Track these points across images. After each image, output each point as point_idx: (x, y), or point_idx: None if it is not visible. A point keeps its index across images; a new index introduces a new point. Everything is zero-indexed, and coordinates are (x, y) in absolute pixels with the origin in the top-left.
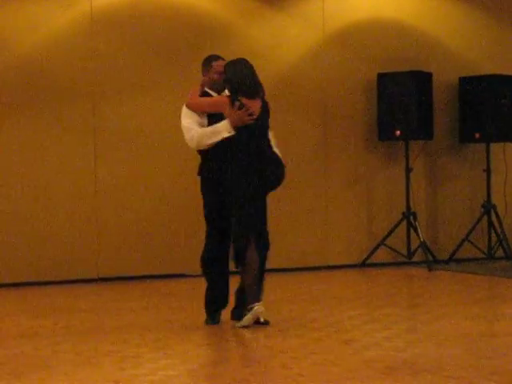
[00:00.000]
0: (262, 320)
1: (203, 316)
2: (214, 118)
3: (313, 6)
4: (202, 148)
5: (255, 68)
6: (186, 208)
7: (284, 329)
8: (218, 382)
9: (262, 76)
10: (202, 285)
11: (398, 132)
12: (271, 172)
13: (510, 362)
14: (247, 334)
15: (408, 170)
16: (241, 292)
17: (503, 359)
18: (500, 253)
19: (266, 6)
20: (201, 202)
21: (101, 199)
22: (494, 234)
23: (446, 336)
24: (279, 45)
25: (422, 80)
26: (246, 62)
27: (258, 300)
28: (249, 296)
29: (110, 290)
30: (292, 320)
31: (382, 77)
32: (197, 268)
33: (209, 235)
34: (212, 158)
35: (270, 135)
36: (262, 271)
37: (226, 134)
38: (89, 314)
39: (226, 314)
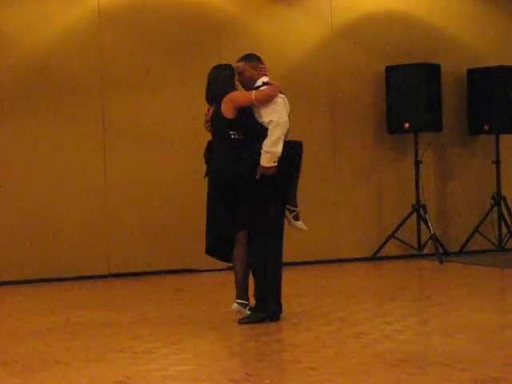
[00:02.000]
0: (233, 317)
1: (215, 311)
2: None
3: (320, 0)
4: None
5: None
6: (197, 203)
7: (295, 322)
8: (230, 376)
9: (271, 70)
10: (213, 280)
11: (407, 125)
12: (213, 171)
13: None
14: (258, 328)
15: (417, 163)
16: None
17: None
18: (510, 244)
19: (273, 1)
20: None
21: (111, 195)
22: (504, 226)
23: (457, 328)
24: (287, 39)
25: (430, 72)
26: (213, 69)
27: (236, 297)
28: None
29: (121, 286)
30: (303, 314)
31: (390, 69)
32: (208, 263)
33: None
34: None
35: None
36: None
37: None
38: (100, 310)
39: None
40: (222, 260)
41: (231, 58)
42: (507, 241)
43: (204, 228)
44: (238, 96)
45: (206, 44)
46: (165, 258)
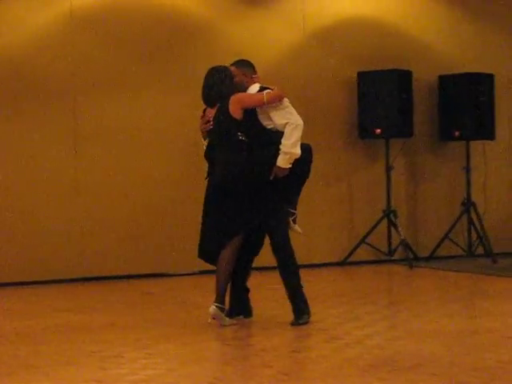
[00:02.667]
0: (209, 320)
1: (185, 315)
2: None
3: (293, 4)
4: None
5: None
6: (168, 207)
7: (266, 327)
8: (199, 380)
9: None
10: (182, 284)
11: (379, 130)
12: (219, 172)
13: (490, 358)
14: (229, 332)
15: (388, 168)
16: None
17: (484, 356)
18: (480, 250)
19: (246, 5)
20: (182, 202)
21: (82, 200)
22: (473, 232)
23: (426, 333)
24: (260, 44)
25: (401, 78)
26: (210, 70)
27: (215, 300)
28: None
29: (91, 290)
30: (274, 318)
31: (362, 75)
32: (178, 267)
33: None
34: None
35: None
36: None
37: (203, 145)
38: (71, 313)
39: (204, 314)
40: (213, 264)
41: (205, 61)
42: (477, 246)
43: (175, 233)
44: (249, 97)
45: (180, 47)
46: (135, 262)
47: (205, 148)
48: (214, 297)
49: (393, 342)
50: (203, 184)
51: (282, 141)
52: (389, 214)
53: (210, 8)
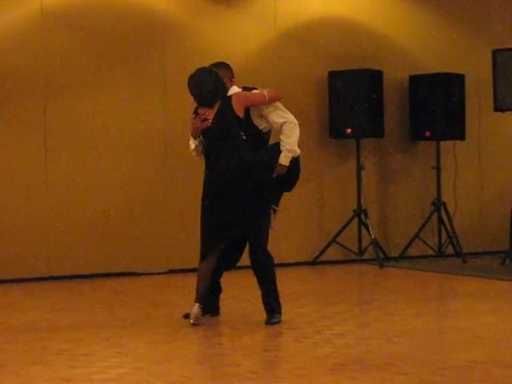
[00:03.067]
0: (191, 321)
1: (155, 314)
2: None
3: (265, 3)
4: (196, 158)
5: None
6: (137, 206)
7: (236, 326)
8: (169, 379)
9: None
10: (153, 283)
11: (349, 130)
12: (218, 174)
13: (459, 357)
14: (199, 331)
15: (359, 168)
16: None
17: (453, 355)
18: (450, 250)
19: (218, 4)
20: (151, 201)
21: (52, 198)
22: (443, 232)
23: (396, 332)
24: (231, 43)
25: (372, 78)
26: (201, 71)
27: (196, 299)
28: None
29: (61, 289)
30: (244, 318)
31: (333, 75)
32: (149, 266)
33: None
34: None
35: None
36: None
37: (192, 146)
38: (39, 312)
39: (174, 313)
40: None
41: (176, 60)
42: (447, 246)
43: (144, 231)
44: (253, 95)
45: (151, 46)
46: (105, 261)
47: (197, 145)
48: (185, 296)
49: (362, 341)
50: (174, 184)
51: (284, 139)
52: (359, 213)
53: (181, 7)
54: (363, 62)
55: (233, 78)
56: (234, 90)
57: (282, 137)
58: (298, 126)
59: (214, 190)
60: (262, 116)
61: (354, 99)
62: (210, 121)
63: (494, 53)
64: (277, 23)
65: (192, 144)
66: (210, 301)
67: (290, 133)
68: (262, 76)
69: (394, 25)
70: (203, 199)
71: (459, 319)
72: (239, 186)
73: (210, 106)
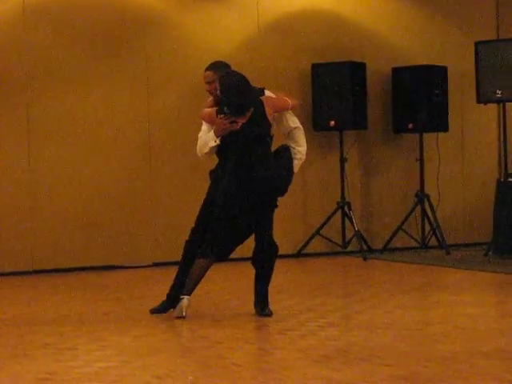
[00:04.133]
0: (183, 314)
1: (139, 307)
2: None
3: None
4: (203, 156)
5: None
6: (122, 200)
7: (220, 319)
8: (153, 372)
9: (197, 67)
10: (137, 276)
11: (333, 122)
12: (257, 182)
13: (442, 349)
14: (183, 324)
15: (342, 160)
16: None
17: (436, 346)
18: (433, 242)
19: None
20: (135, 195)
21: (36, 191)
22: (427, 224)
23: (380, 324)
24: (214, 35)
25: (355, 70)
26: (238, 76)
27: (187, 292)
28: (185, 285)
29: (45, 282)
30: (228, 310)
31: (316, 67)
32: (133, 259)
33: None
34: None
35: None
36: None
37: (212, 144)
38: (24, 306)
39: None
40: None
41: (158, 54)
42: (430, 238)
43: (129, 225)
44: (281, 101)
45: (133, 41)
46: (89, 255)
47: (215, 145)
48: (168, 289)
49: (346, 333)
50: (158, 177)
51: (297, 147)
52: (343, 205)
53: (164, 0)
54: (346, 54)
55: None
56: None
57: (293, 144)
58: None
59: (249, 197)
60: (274, 119)
61: (338, 91)
62: (240, 124)
63: (477, 45)
64: (259, 16)
65: (212, 142)
66: (175, 294)
67: (302, 141)
68: (245, 69)
69: (377, 17)
70: (227, 201)
71: (442, 311)
72: (273, 195)
73: (244, 114)
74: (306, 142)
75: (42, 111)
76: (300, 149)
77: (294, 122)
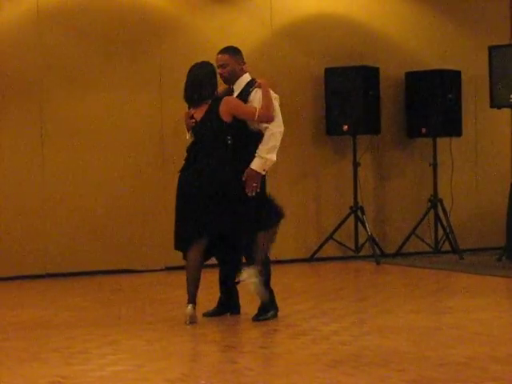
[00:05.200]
0: (187, 322)
1: (152, 311)
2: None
3: (261, 0)
4: None
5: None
6: (136, 203)
7: (232, 323)
8: (165, 376)
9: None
10: (149, 280)
11: (346, 127)
12: (191, 175)
13: (455, 354)
14: (196, 329)
15: (355, 165)
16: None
17: (449, 351)
18: (446, 246)
19: (213, 1)
20: (148, 199)
21: (49, 194)
22: (440, 228)
23: (392, 329)
24: (227, 39)
25: (369, 75)
26: (196, 66)
27: (191, 301)
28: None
29: (57, 286)
30: (240, 314)
31: (329, 71)
32: (145, 263)
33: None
34: None
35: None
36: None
37: (188, 138)
38: (36, 310)
39: (171, 310)
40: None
41: (171, 58)
42: (443, 243)
43: (142, 228)
44: (242, 108)
45: (146, 44)
46: (102, 258)
47: (189, 140)
48: (181, 293)
49: (359, 337)
50: (171, 180)
51: (260, 146)
52: (356, 210)
53: (177, 4)
54: (359, 58)
55: (244, 63)
56: (246, 79)
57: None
58: (276, 135)
59: (187, 189)
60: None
61: (351, 96)
62: (196, 120)
63: (490, 49)
64: (273, 20)
65: (188, 138)
66: (231, 299)
67: (265, 140)
68: (258, 73)
69: (391, 21)
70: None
71: (456, 316)
72: (218, 191)
73: (195, 106)
74: (271, 142)
75: (56, 114)
76: (261, 147)
77: (255, 127)
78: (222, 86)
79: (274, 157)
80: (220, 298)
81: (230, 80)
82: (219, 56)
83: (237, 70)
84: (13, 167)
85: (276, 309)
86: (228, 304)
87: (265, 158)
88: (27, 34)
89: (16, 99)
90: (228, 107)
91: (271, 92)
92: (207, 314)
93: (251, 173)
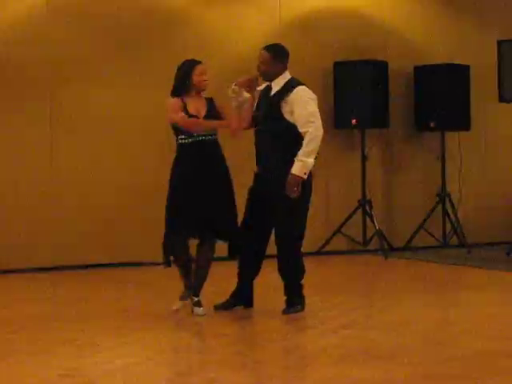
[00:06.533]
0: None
1: (160, 304)
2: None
3: None
4: None
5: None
6: (144, 196)
7: (241, 317)
8: (175, 369)
9: (218, 64)
10: (157, 273)
11: (354, 120)
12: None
13: (464, 348)
14: (204, 322)
15: (364, 158)
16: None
17: (457, 346)
18: (454, 241)
19: None
20: (156, 191)
21: (57, 187)
22: (448, 222)
23: (401, 323)
24: (235, 32)
25: (377, 69)
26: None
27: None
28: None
29: (66, 279)
30: (248, 308)
31: (338, 65)
32: (153, 256)
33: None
34: None
35: None
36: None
37: None
38: (45, 302)
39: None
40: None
41: (180, 50)
42: (451, 237)
43: (151, 221)
44: (170, 112)
45: (155, 37)
46: (111, 251)
47: None
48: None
49: (367, 331)
50: None
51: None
52: (364, 204)
53: None
54: (368, 52)
55: (283, 64)
56: (286, 77)
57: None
58: (318, 138)
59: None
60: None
61: (359, 90)
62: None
63: (500, 43)
64: (281, 13)
65: None
66: (247, 292)
67: (306, 143)
68: None
69: (399, 15)
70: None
71: (464, 310)
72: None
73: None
74: (313, 145)
75: (66, 107)
76: (301, 151)
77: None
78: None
79: (312, 160)
80: (235, 290)
81: (267, 78)
82: (261, 52)
83: (274, 71)
84: (21, 161)
85: (303, 303)
86: (241, 296)
87: (304, 161)
88: (37, 25)
89: (25, 93)
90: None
91: (310, 93)
92: (218, 307)
93: (292, 179)
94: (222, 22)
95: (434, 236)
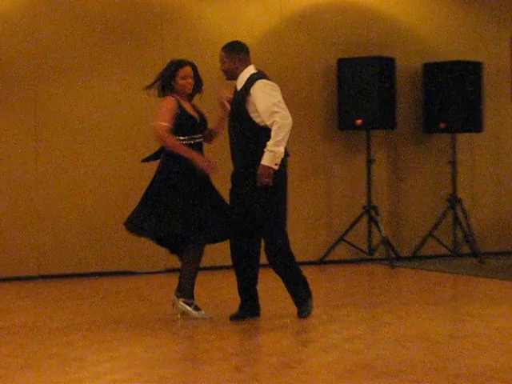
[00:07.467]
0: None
1: (152, 315)
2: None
3: None
4: None
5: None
6: (133, 202)
7: (238, 330)
8: None
9: (215, 61)
10: (149, 283)
11: (359, 121)
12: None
13: (474, 364)
14: (198, 334)
15: (369, 162)
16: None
17: (468, 361)
18: (466, 250)
19: None
20: None
21: (42, 191)
22: (459, 230)
23: (408, 337)
24: (236, 28)
25: (384, 66)
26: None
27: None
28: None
29: (51, 289)
30: (246, 320)
31: (342, 62)
32: (145, 265)
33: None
34: None
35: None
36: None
37: None
38: (29, 313)
39: (172, 314)
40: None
41: (174, 46)
42: (462, 246)
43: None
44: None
45: (148, 32)
46: (98, 260)
47: None
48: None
49: (372, 346)
50: None
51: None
52: (369, 210)
53: None
54: (374, 48)
55: (240, 60)
56: (247, 72)
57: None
58: (286, 126)
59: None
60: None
61: (365, 88)
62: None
63: None
64: (282, 7)
65: None
66: (252, 302)
67: (274, 133)
68: (266, 64)
69: (407, 9)
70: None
71: (475, 323)
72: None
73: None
74: (281, 134)
75: (51, 107)
76: (269, 141)
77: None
78: None
79: (282, 150)
80: (241, 302)
81: (230, 77)
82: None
83: (233, 67)
84: (4, 161)
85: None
86: (249, 306)
87: (274, 151)
88: (21, 21)
89: (9, 88)
90: None
91: (270, 83)
92: (234, 317)
93: (262, 169)
94: (220, 17)
95: (443, 244)
